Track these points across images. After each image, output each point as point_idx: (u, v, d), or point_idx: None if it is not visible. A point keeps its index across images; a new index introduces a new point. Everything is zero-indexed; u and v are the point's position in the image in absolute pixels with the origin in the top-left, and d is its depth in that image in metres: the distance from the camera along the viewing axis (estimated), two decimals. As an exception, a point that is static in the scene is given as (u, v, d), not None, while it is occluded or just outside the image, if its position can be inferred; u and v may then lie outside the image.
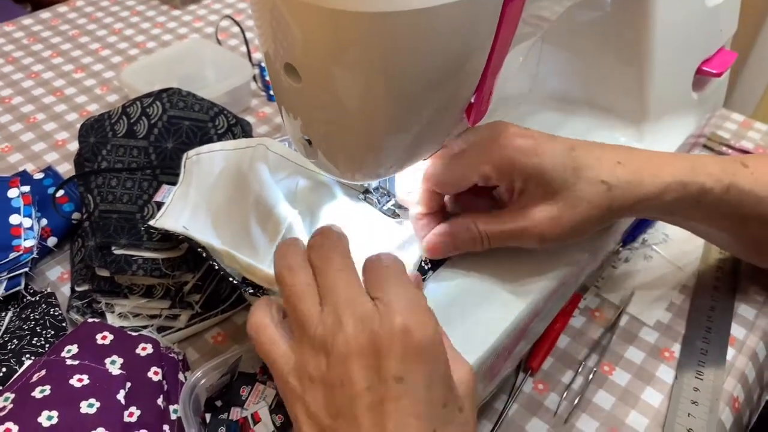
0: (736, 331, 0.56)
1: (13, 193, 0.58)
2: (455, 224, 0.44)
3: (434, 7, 0.30)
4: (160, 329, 0.53)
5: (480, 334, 0.41)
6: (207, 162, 0.52)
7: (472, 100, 0.38)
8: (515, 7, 0.33)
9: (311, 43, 0.32)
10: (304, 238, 0.44)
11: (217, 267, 0.43)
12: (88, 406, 0.42)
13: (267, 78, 0.84)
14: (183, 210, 0.49)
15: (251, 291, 0.42)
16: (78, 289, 0.55)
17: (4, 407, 0.42)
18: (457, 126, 0.40)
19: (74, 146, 0.73)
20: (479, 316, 0.43)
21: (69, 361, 0.45)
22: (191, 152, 0.52)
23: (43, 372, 0.44)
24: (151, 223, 0.47)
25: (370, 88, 0.33)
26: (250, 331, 0.36)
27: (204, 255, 0.44)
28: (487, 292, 0.44)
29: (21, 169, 0.70)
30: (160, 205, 0.50)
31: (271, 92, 0.82)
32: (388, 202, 0.50)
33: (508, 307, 0.43)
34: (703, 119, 0.64)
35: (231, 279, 0.43)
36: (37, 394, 0.42)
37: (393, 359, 0.31)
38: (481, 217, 0.44)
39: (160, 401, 0.45)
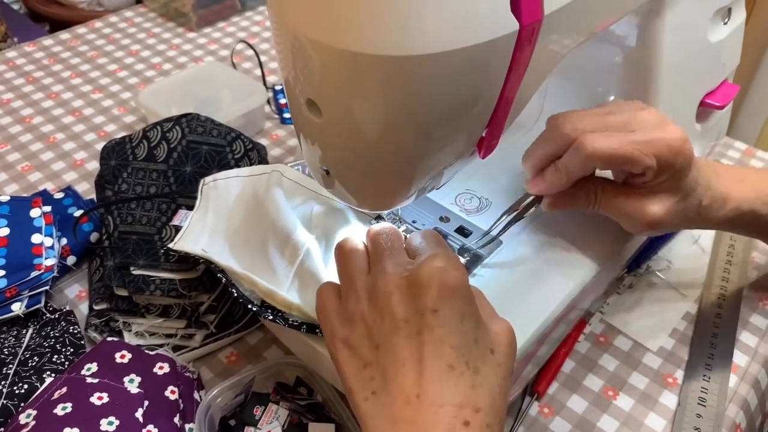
0: (739, 358, 0.57)
1: (35, 212, 0.60)
2: (577, 187, 0.46)
3: (449, 51, 0.32)
4: (176, 348, 0.55)
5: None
6: (224, 188, 0.53)
7: (484, 134, 0.39)
8: (526, 49, 0.35)
9: (332, 82, 0.34)
10: (321, 262, 0.46)
11: (236, 293, 0.45)
12: (108, 424, 0.43)
13: (281, 101, 0.86)
14: (201, 233, 0.50)
15: (270, 317, 0.44)
16: (96, 307, 0.57)
17: (27, 424, 0.43)
18: (467, 160, 0.41)
19: (92, 166, 0.76)
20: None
21: (89, 379, 0.46)
22: (208, 178, 0.54)
23: (64, 389, 0.46)
24: (171, 245, 0.49)
25: (387, 126, 0.35)
26: (317, 297, 0.41)
27: (224, 280, 0.46)
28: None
29: (41, 187, 0.72)
30: (177, 228, 0.52)
31: (285, 115, 0.84)
32: (399, 227, 0.52)
33: (516, 332, 0.44)
34: (706, 149, 0.65)
35: (250, 306, 0.44)
36: (58, 411, 0.43)
37: (429, 294, 0.35)
38: (603, 185, 0.46)
39: (176, 420, 0.47)
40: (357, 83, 0.33)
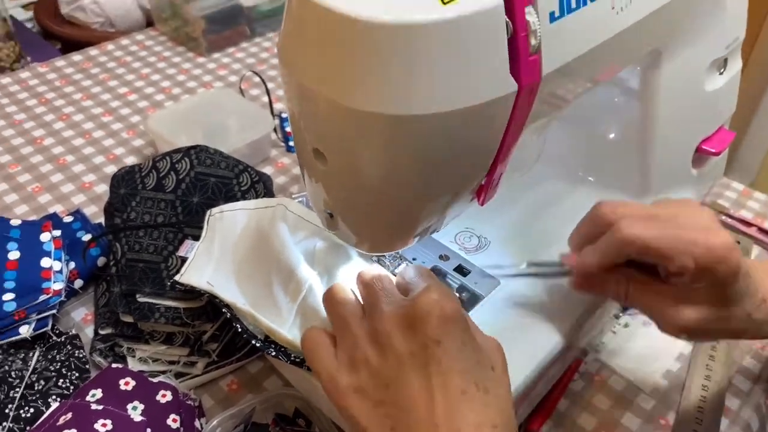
0: (730, 402, 0.58)
1: (45, 237, 0.61)
2: (607, 275, 0.45)
3: (449, 112, 0.33)
4: (178, 375, 0.56)
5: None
6: (229, 219, 0.55)
7: (483, 182, 0.41)
8: (525, 107, 0.36)
9: (337, 134, 0.35)
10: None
11: (240, 329, 0.46)
12: (111, 452, 0.45)
13: (287, 129, 0.88)
14: (207, 265, 0.52)
15: (273, 353, 0.45)
16: (102, 332, 0.58)
17: (32, 449, 0.44)
18: (467, 206, 0.43)
19: (101, 189, 0.77)
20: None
21: (93, 406, 0.48)
22: (215, 210, 0.55)
23: (69, 415, 0.47)
24: (176, 278, 0.50)
25: (389, 177, 0.37)
26: (303, 339, 0.42)
27: (228, 315, 0.47)
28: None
29: (50, 209, 0.74)
30: (183, 259, 0.54)
31: (291, 143, 0.85)
32: (399, 265, 0.53)
33: (513, 373, 0.46)
34: (703, 191, 0.67)
35: (254, 341, 0.45)
36: (63, 438, 0.45)
37: (429, 326, 0.36)
38: (636, 280, 0.45)
39: (177, 449, 0.48)
40: (361, 137, 0.35)
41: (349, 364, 0.38)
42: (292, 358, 0.45)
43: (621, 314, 0.65)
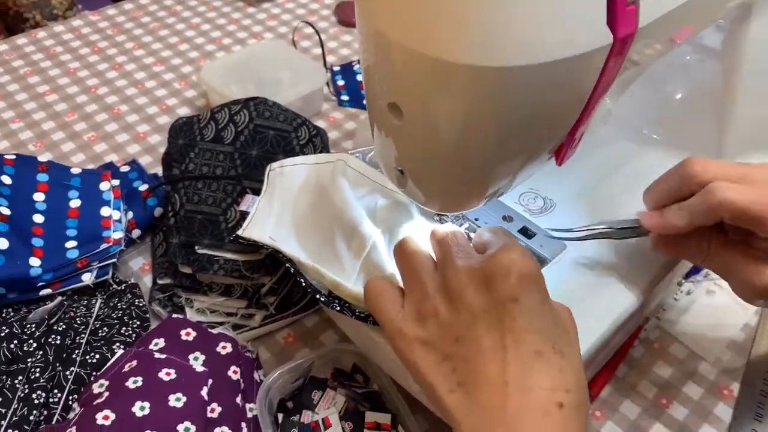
0: (798, 374, 0.56)
1: (104, 186, 0.62)
2: (691, 234, 0.44)
3: (539, 64, 0.31)
4: (235, 327, 0.57)
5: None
6: (289, 174, 0.54)
7: (563, 141, 0.39)
8: (618, 61, 0.34)
9: (416, 87, 0.34)
10: (387, 256, 0.46)
11: (304, 283, 0.46)
12: (176, 400, 0.45)
13: (339, 83, 0.86)
14: (267, 220, 0.51)
15: (338, 308, 0.45)
16: (160, 282, 0.59)
17: (101, 394, 0.45)
18: (542, 166, 0.41)
19: (155, 140, 0.77)
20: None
21: (157, 355, 0.48)
22: (275, 164, 0.54)
23: (134, 363, 0.47)
24: (239, 233, 0.50)
25: (467, 133, 0.35)
26: (367, 289, 0.41)
27: (291, 269, 0.46)
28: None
29: (106, 158, 0.74)
30: (244, 213, 0.53)
31: (343, 97, 0.84)
32: (462, 225, 0.52)
33: (582, 336, 0.45)
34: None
35: (318, 296, 0.45)
36: (130, 384, 0.45)
37: (508, 283, 0.35)
38: (717, 239, 0.44)
39: (238, 399, 0.48)
40: (442, 90, 0.33)
41: (417, 315, 0.37)
42: (357, 313, 0.44)
43: (683, 281, 0.63)
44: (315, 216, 0.51)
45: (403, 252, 0.41)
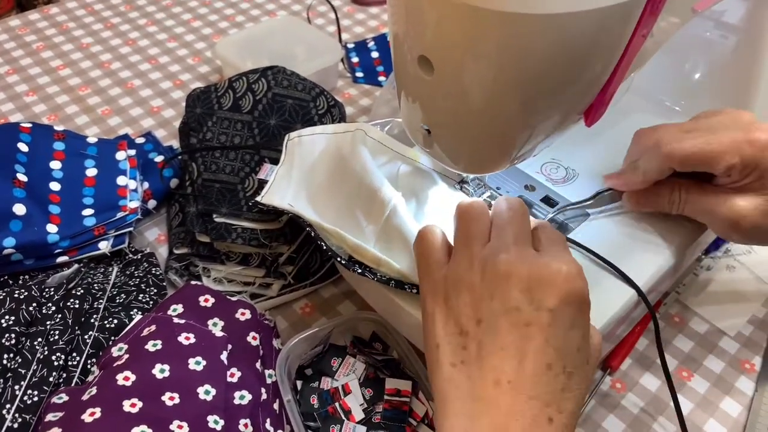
0: (821, 349, 0.55)
1: (120, 155, 0.61)
2: (660, 185, 0.47)
3: (578, 12, 0.31)
4: (253, 296, 0.56)
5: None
6: (308, 144, 0.53)
7: (594, 101, 0.39)
8: (655, 12, 0.33)
9: (448, 39, 0.33)
10: (410, 219, 0.46)
11: (325, 247, 0.45)
12: (196, 363, 0.45)
13: (353, 60, 0.86)
14: (287, 189, 0.51)
15: (360, 271, 0.44)
16: (177, 251, 0.58)
17: (120, 357, 0.45)
18: (571, 126, 0.41)
19: (168, 114, 0.77)
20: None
21: (176, 320, 0.48)
22: (293, 134, 0.54)
23: (153, 327, 0.47)
24: (258, 199, 0.49)
25: (500, 86, 0.34)
26: (420, 233, 0.41)
27: (312, 234, 0.46)
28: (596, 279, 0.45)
29: (120, 132, 0.74)
30: (262, 182, 0.52)
31: (357, 74, 0.83)
32: (483, 193, 0.52)
33: (608, 303, 0.44)
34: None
35: (339, 259, 0.45)
36: (149, 347, 0.45)
37: (552, 293, 0.34)
38: (688, 186, 0.46)
39: (258, 365, 0.48)
40: (476, 40, 0.32)
41: (455, 279, 0.37)
42: (379, 277, 0.44)
43: (703, 257, 0.63)
44: (334, 184, 0.50)
45: (465, 213, 0.40)
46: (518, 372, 0.33)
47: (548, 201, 0.51)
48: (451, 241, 0.40)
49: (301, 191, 0.51)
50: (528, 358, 0.34)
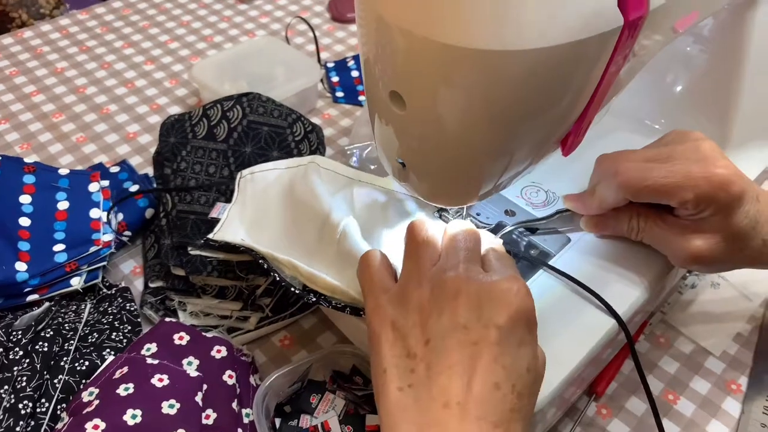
0: (808, 368, 0.55)
1: (93, 187, 0.60)
2: (618, 212, 0.47)
3: (549, 47, 0.30)
4: (230, 330, 0.55)
5: (558, 362, 0.41)
6: (261, 180, 0.53)
7: (570, 129, 0.38)
8: (628, 45, 0.33)
9: (420, 75, 0.32)
10: (361, 242, 0.46)
11: (278, 278, 0.45)
12: (169, 407, 0.43)
13: (333, 79, 0.85)
14: (240, 225, 0.50)
15: (314, 299, 0.44)
16: (152, 285, 0.57)
17: (90, 402, 0.44)
18: (547, 155, 0.40)
19: (145, 139, 0.75)
20: (549, 351, 0.43)
21: (149, 360, 0.46)
22: (245, 171, 0.53)
23: (126, 369, 0.46)
24: (210, 236, 0.49)
25: (473, 121, 0.33)
26: (361, 258, 0.41)
27: (265, 266, 0.46)
28: (566, 321, 0.44)
29: (95, 159, 0.72)
30: (215, 221, 0.52)
31: (338, 94, 0.82)
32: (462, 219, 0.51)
33: (589, 332, 0.43)
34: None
35: (293, 288, 0.44)
36: (121, 391, 0.44)
37: (500, 311, 0.34)
38: (647, 214, 0.46)
39: (234, 405, 0.47)
40: (448, 77, 0.32)
41: (403, 300, 0.37)
42: (334, 304, 0.43)
43: (688, 274, 0.62)
44: (288, 217, 0.50)
45: (414, 233, 0.40)
46: (466, 392, 0.33)
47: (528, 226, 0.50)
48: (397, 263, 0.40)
49: (256, 227, 0.51)
50: (476, 377, 0.33)
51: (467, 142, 0.34)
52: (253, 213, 0.51)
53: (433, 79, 0.32)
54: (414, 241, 0.39)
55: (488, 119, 0.33)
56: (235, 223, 0.51)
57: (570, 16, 0.29)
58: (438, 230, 0.40)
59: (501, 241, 0.42)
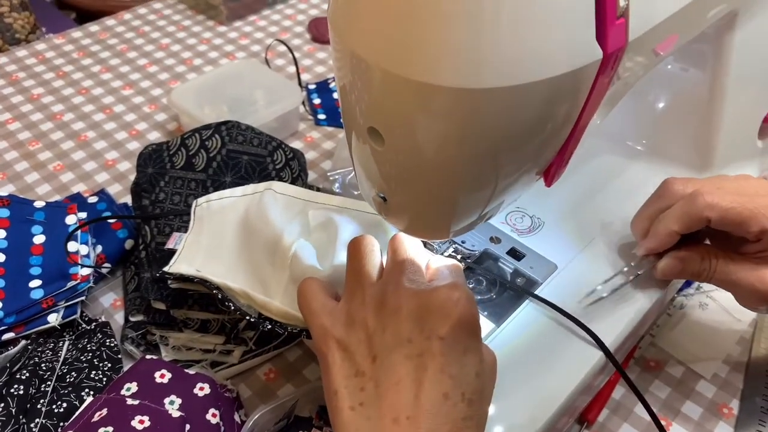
0: (798, 388, 0.54)
1: (70, 219, 0.59)
2: (691, 252, 0.45)
3: (526, 84, 0.29)
4: (213, 364, 0.54)
5: (548, 396, 0.41)
6: (217, 208, 0.53)
7: (553, 161, 0.37)
8: (607, 77, 0.32)
9: (397, 112, 0.32)
10: (313, 263, 0.46)
11: (233, 307, 0.45)
12: (150, 450, 0.42)
13: (315, 101, 0.84)
14: (196, 255, 0.50)
15: (269, 326, 0.44)
16: (132, 319, 0.55)
17: (68, 448, 0.42)
18: (530, 186, 0.39)
19: (124, 167, 0.74)
20: (539, 384, 0.42)
21: (129, 401, 0.45)
22: (201, 200, 0.53)
23: (105, 411, 0.44)
24: (166, 269, 0.48)
25: (451, 157, 0.33)
26: (299, 287, 0.41)
27: (219, 296, 0.45)
28: (554, 352, 0.44)
29: (73, 188, 0.71)
30: (172, 252, 0.51)
31: (320, 116, 0.82)
32: (447, 248, 0.50)
33: (579, 362, 0.43)
34: (766, 165, 0.62)
35: (248, 317, 0.44)
36: (100, 436, 0.42)
37: (441, 321, 0.34)
38: (716, 254, 0.45)
39: (218, 445, 0.45)
40: (425, 114, 0.31)
41: (347, 319, 0.37)
42: (290, 330, 0.44)
43: (675, 296, 0.62)
44: (242, 245, 0.50)
45: (356, 249, 0.40)
46: (415, 405, 0.33)
47: (515, 253, 0.50)
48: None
49: (212, 256, 0.50)
50: (424, 390, 0.33)
51: (446, 177, 0.34)
52: (209, 242, 0.51)
53: (411, 116, 0.31)
54: (355, 258, 0.39)
55: (468, 156, 0.33)
56: (191, 252, 0.51)
57: (547, 52, 0.29)
58: (376, 245, 0.40)
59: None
